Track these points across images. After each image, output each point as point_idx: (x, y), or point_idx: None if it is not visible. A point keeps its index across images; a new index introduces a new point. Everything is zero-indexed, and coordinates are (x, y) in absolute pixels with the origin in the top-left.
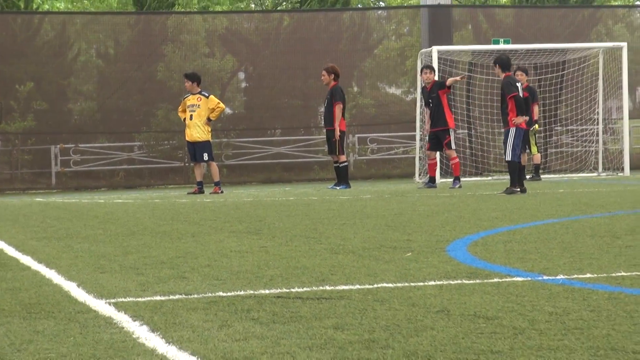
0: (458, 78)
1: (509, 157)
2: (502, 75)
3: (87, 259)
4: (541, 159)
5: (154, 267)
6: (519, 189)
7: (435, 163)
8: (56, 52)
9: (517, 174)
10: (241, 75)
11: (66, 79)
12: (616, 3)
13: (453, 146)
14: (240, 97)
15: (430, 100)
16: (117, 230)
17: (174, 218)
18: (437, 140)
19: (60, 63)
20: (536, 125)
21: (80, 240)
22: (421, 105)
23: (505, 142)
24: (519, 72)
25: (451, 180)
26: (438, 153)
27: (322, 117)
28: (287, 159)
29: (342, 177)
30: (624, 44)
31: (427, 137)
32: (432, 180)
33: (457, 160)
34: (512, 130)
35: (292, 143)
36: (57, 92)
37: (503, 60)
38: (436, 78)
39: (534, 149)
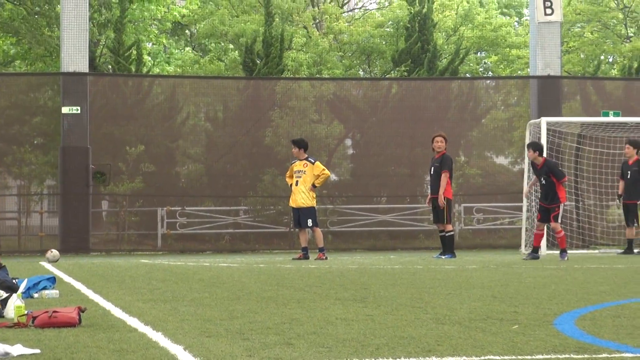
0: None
1: None
2: None
3: (193, 323)
4: None
5: (260, 332)
6: None
7: (542, 234)
8: (165, 115)
9: None
10: (348, 142)
11: (174, 142)
12: None
13: (559, 220)
14: (347, 164)
15: (542, 179)
16: (223, 294)
17: (279, 283)
18: (547, 212)
19: (170, 126)
20: None
21: (186, 303)
22: (529, 177)
23: None
24: (627, 146)
25: (557, 252)
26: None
27: (429, 186)
28: (393, 227)
29: (448, 246)
30: None
31: (538, 208)
32: (535, 250)
33: (563, 233)
34: None
35: (397, 211)
36: (166, 155)
37: None
38: (545, 155)
39: None
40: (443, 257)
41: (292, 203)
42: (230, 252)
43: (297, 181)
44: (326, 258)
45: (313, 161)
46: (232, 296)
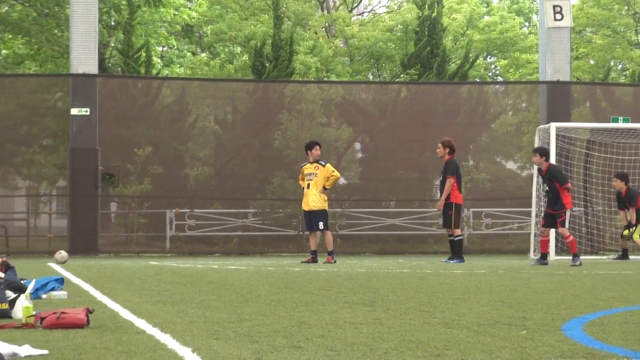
0: None
1: None
2: None
3: (201, 325)
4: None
5: (268, 335)
6: None
7: (548, 240)
8: (174, 117)
9: None
10: (357, 145)
11: (183, 144)
12: None
13: (566, 225)
14: (356, 167)
15: (546, 185)
16: (231, 296)
17: (288, 286)
18: (552, 218)
19: (179, 128)
20: (626, 231)
21: (194, 305)
22: (538, 182)
23: None
24: (615, 179)
25: (568, 257)
26: (553, 230)
27: (437, 190)
28: (401, 231)
29: (457, 251)
30: None
31: (542, 214)
32: (543, 256)
33: (572, 237)
34: None
35: (406, 215)
36: (174, 157)
37: None
38: (552, 161)
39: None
40: (451, 261)
41: (305, 206)
42: (239, 254)
43: (308, 184)
44: (335, 261)
45: (324, 164)
46: (241, 299)
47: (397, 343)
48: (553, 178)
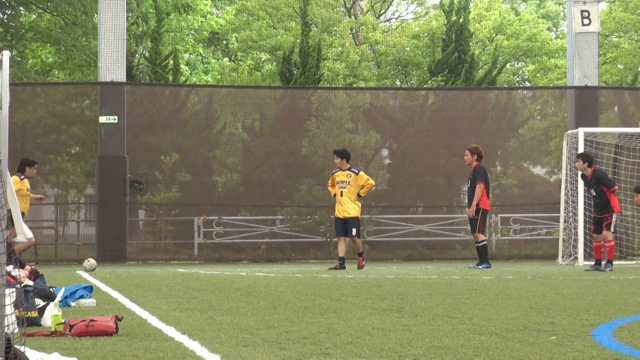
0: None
1: None
2: None
3: (229, 332)
4: None
5: (296, 342)
6: None
7: (601, 246)
8: (202, 124)
9: None
10: (385, 152)
11: (211, 151)
12: None
13: (612, 229)
14: (384, 173)
15: (592, 190)
16: (259, 303)
17: (316, 293)
18: (600, 222)
19: (206, 135)
20: None
21: (222, 312)
22: (566, 187)
23: None
24: (637, 194)
25: (593, 262)
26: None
27: (465, 196)
28: (429, 237)
29: (482, 256)
30: None
31: (592, 220)
32: (598, 262)
33: (613, 243)
34: None
35: (434, 221)
36: (202, 164)
37: None
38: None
39: None
40: (479, 267)
41: (339, 213)
42: (267, 261)
43: (341, 192)
44: (364, 264)
45: (357, 172)
46: (269, 306)
47: (426, 349)
48: (600, 182)
